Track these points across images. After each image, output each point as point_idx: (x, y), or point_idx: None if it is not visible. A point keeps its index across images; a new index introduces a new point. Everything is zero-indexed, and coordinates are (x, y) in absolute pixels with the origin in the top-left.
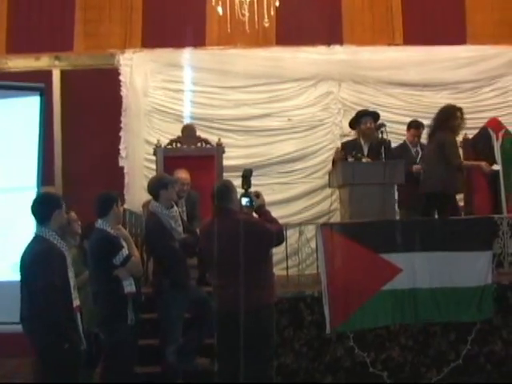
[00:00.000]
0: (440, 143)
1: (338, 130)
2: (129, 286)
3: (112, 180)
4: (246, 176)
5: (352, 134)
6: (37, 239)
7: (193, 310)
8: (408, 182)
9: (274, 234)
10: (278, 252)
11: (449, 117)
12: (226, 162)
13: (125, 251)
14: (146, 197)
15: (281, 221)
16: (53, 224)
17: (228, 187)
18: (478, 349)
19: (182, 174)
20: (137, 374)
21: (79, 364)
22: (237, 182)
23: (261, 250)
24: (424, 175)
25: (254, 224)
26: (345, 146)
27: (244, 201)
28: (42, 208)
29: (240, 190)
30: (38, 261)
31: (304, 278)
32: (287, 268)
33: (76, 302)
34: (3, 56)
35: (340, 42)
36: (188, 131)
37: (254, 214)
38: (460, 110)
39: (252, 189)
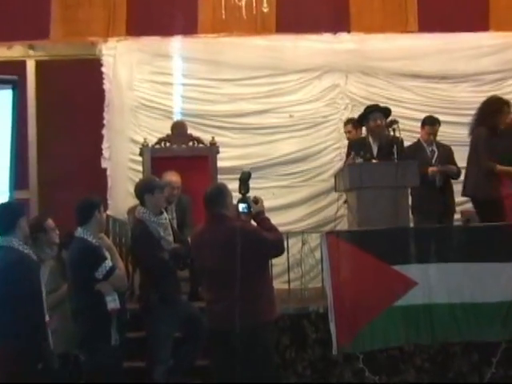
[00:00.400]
0: (474, 142)
1: (345, 127)
2: (112, 302)
3: (93, 183)
4: (244, 179)
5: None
6: (3, 250)
7: (184, 327)
8: (423, 184)
9: (273, 243)
10: (278, 263)
11: (495, 112)
12: (220, 163)
13: (108, 263)
14: (132, 202)
15: (281, 229)
16: (18, 233)
17: (221, 190)
18: (504, 371)
19: (172, 177)
20: None
21: None
22: (233, 186)
23: (258, 260)
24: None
25: (250, 232)
26: (352, 145)
27: (241, 207)
28: (5, 217)
29: (237, 195)
30: (11, 271)
31: (307, 292)
32: (289, 281)
33: (46, 317)
34: None
35: (347, 29)
36: (178, 129)
37: (252, 222)
38: (507, 103)
39: (250, 193)
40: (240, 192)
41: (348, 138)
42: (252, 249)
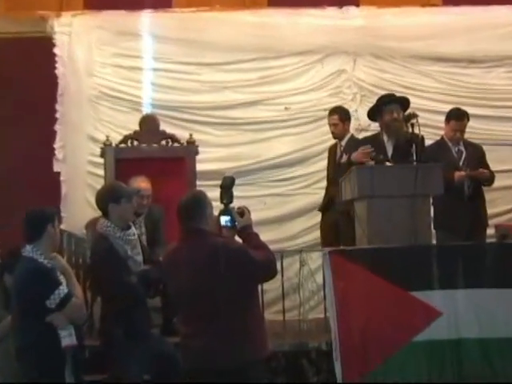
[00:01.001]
0: None
1: (353, 123)
2: (67, 337)
3: (44, 191)
4: (226, 186)
5: (371, 127)
6: None
7: (155, 368)
8: (448, 192)
9: (263, 264)
10: (271, 289)
11: None
12: (200, 167)
13: (63, 289)
14: (91, 214)
15: (275, 246)
16: None
17: (199, 200)
18: None
19: (141, 183)
20: None
21: None
22: (215, 194)
23: (244, 285)
24: None
25: (234, 250)
26: (362, 144)
27: (223, 220)
28: None
29: (219, 205)
30: None
31: (307, 324)
32: (284, 311)
33: None
34: None
35: (355, 2)
36: (148, 124)
37: (237, 238)
38: None
39: (235, 203)
40: (222, 202)
41: (333, 133)
42: (237, 271)
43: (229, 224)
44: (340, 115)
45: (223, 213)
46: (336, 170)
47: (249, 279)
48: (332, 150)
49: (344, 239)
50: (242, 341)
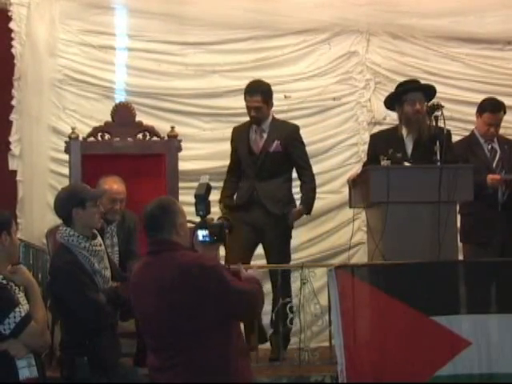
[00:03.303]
0: None
1: (366, 115)
2: (26, 369)
3: None
4: (201, 196)
5: (387, 120)
6: None
7: None
8: (479, 199)
9: (244, 295)
10: (264, 312)
11: None
12: (183, 165)
13: (20, 311)
14: (53, 220)
15: None
16: None
17: (166, 208)
18: None
19: (113, 185)
20: None
21: None
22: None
23: (218, 313)
24: None
25: (208, 269)
26: (376, 140)
27: (201, 235)
28: None
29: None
30: None
31: (309, 353)
32: None
33: None
34: None
35: None
36: (122, 114)
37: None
38: None
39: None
40: (197, 214)
41: (253, 117)
42: (210, 295)
43: (207, 239)
44: (264, 96)
45: (200, 226)
46: (263, 160)
47: (222, 308)
48: (241, 135)
49: (268, 242)
50: (215, 377)
